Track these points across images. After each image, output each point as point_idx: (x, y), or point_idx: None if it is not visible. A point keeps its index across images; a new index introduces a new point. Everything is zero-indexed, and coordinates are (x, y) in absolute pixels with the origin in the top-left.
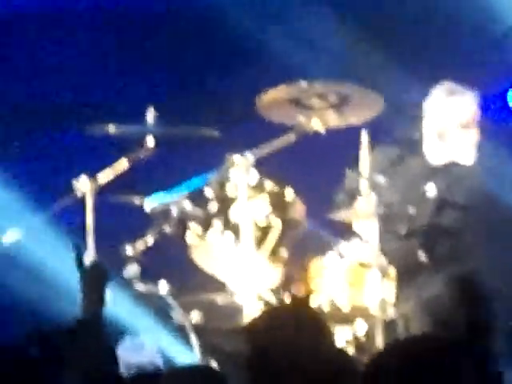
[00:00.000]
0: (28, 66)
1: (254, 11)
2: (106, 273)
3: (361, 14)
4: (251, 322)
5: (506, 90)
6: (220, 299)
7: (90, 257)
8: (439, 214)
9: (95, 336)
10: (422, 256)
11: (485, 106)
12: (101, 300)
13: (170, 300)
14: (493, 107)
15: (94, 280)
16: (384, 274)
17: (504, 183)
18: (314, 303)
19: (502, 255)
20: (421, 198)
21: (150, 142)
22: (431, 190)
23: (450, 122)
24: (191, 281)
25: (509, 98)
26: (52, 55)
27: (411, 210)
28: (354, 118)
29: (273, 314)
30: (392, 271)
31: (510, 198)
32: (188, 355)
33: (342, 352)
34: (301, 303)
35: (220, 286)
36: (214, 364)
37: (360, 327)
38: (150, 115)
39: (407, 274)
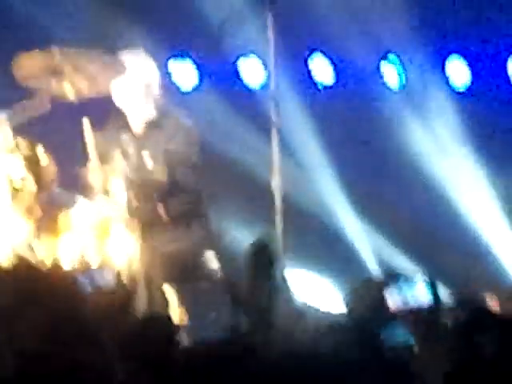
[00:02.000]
0: None
1: None
2: None
3: None
4: None
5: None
6: None
7: None
8: (171, 173)
9: None
10: (162, 213)
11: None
12: None
13: None
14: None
15: None
16: (128, 227)
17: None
18: (62, 254)
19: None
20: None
21: None
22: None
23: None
24: None
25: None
26: None
27: (151, 173)
28: (101, 84)
29: None
30: (136, 226)
31: None
32: None
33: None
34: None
35: None
36: None
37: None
38: None
39: (149, 229)
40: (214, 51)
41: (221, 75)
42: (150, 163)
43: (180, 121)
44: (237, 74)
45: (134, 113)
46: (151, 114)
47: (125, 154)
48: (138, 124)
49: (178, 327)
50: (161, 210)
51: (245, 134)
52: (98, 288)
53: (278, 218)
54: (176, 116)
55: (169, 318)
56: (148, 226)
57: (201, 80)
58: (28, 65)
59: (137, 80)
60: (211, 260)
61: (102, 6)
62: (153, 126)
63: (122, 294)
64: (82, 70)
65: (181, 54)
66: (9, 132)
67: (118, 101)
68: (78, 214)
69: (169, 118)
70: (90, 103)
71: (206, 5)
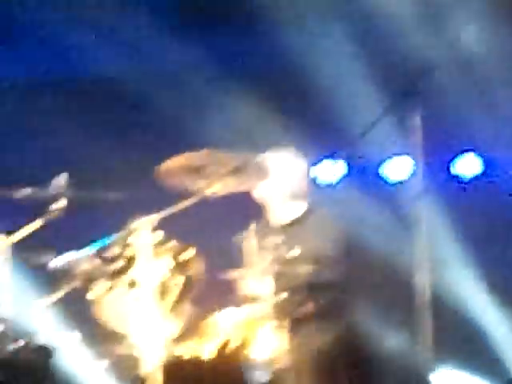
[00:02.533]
0: None
1: (150, 78)
2: None
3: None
4: None
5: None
6: (121, 350)
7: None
8: (317, 268)
9: None
10: (310, 308)
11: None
12: None
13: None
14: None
15: None
16: (278, 325)
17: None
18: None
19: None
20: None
21: (62, 203)
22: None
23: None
24: (97, 333)
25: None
26: None
27: (298, 268)
28: (246, 184)
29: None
30: (283, 321)
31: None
32: None
33: None
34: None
35: (121, 338)
36: None
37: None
38: (63, 179)
39: (297, 323)
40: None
41: (366, 172)
42: (296, 257)
43: (326, 216)
44: (380, 171)
45: (279, 210)
46: (297, 210)
47: (271, 249)
48: (283, 220)
49: None
50: (308, 303)
51: (388, 229)
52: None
53: (425, 315)
54: (322, 212)
55: None
56: (295, 320)
57: (346, 176)
58: (175, 165)
59: (282, 181)
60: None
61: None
62: (298, 221)
63: None
64: (226, 170)
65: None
66: (160, 234)
67: (263, 198)
68: (225, 318)
69: (315, 213)
70: (232, 201)
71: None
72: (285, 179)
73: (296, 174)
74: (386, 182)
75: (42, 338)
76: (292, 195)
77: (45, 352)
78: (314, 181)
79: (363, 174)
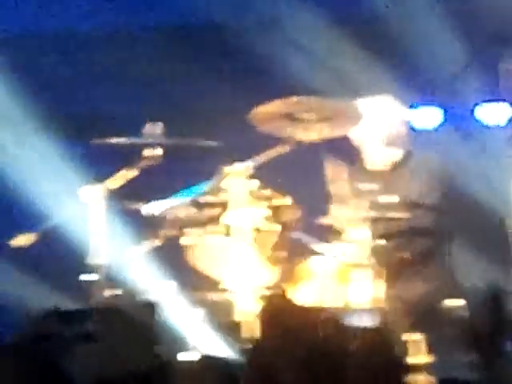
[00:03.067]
0: (37, 79)
1: (249, 23)
2: None
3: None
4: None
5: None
6: (217, 297)
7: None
8: (415, 212)
9: None
10: (407, 255)
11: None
12: None
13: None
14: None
15: None
16: (375, 273)
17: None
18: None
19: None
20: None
21: (158, 151)
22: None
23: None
24: (192, 280)
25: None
26: (57, 70)
27: (396, 214)
28: (341, 129)
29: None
30: (379, 268)
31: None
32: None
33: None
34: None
35: (215, 284)
36: None
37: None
38: (159, 128)
39: (393, 270)
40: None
41: (462, 117)
42: (393, 203)
43: (426, 162)
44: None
45: (375, 154)
46: (393, 155)
47: (366, 194)
48: (379, 164)
49: None
50: (406, 249)
51: (486, 174)
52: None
53: None
54: (422, 157)
55: None
56: (392, 266)
57: (443, 123)
58: (269, 111)
59: (377, 126)
60: (453, 304)
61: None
62: (396, 167)
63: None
64: (320, 116)
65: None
66: (256, 182)
67: (358, 143)
68: (318, 263)
69: (414, 159)
70: (326, 145)
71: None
72: (382, 124)
73: (393, 120)
74: (483, 127)
75: (138, 287)
76: (389, 141)
77: (144, 304)
78: (411, 127)
79: (460, 119)
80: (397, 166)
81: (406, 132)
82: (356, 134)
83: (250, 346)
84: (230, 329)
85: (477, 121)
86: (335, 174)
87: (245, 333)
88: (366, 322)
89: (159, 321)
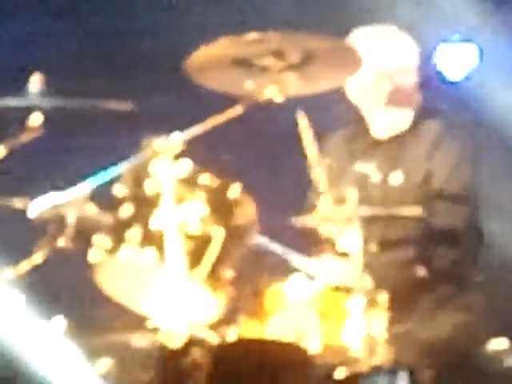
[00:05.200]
0: None
1: None
2: None
3: None
4: None
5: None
6: (137, 340)
7: None
8: (433, 207)
9: None
10: (422, 271)
11: None
12: None
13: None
14: None
15: None
16: (370, 300)
17: None
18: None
19: None
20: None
21: (36, 119)
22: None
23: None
24: (97, 315)
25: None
26: None
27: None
28: (324, 82)
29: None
30: (382, 296)
31: None
32: None
33: None
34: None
35: (137, 322)
36: None
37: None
38: (36, 84)
39: (403, 301)
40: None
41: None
42: (399, 189)
43: (448, 129)
44: None
45: (376, 116)
46: (402, 117)
47: (359, 178)
48: (381, 132)
49: None
50: (417, 264)
51: None
52: None
53: None
54: (444, 122)
55: None
56: (399, 290)
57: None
58: (211, 57)
59: (379, 72)
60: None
61: None
62: (405, 135)
63: None
64: (291, 62)
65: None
66: (188, 164)
67: (354, 99)
68: (295, 286)
69: (431, 123)
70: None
71: None
72: (382, 71)
73: (401, 65)
74: None
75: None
76: (392, 98)
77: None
78: (431, 75)
79: (501, 62)
80: (407, 135)
81: (418, 85)
82: (351, 88)
83: None
84: None
85: None
86: (319, 148)
87: None
88: None
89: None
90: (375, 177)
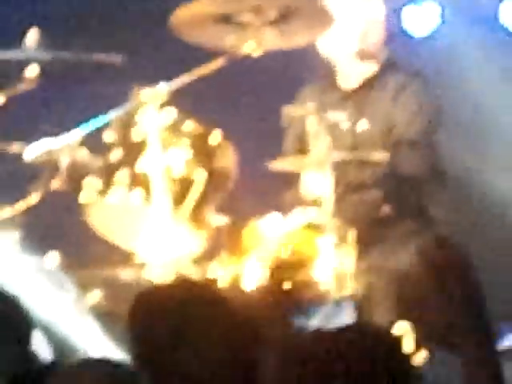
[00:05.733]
0: None
1: None
2: None
3: None
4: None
5: None
6: (125, 274)
7: None
8: (395, 152)
9: None
10: (387, 209)
11: None
12: None
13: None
14: None
15: None
16: (340, 237)
17: None
18: (248, 279)
19: None
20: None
21: (33, 71)
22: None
23: None
24: (88, 251)
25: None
26: None
27: (368, 153)
28: (299, 38)
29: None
30: (351, 234)
31: None
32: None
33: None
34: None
35: (125, 258)
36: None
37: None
38: (32, 37)
39: (370, 237)
40: None
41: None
42: (366, 136)
43: (410, 80)
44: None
45: (345, 68)
46: (369, 69)
47: (331, 126)
48: (350, 83)
49: None
50: (382, 205)
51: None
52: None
53: None
54: (407, 74)
55: None
56: (364, 226)
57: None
58: (194, 14)
59: (349, 28)
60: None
61: None
62: (371, 86)
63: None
64: (267, 19)
65: None
66: (173, 112)
67: (325, 52)
68: (270, 224)
69: (395, 75)
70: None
71: None
72: (352, 27)
73: (366, 20)
74: (503, 31)
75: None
76: (361, 52)
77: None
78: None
79: (463, 20)
80: (373, 86)
81: (383, 39)
82: (320, 43)
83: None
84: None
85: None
86: (297, 100)
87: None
88: (333, 316)
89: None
90: (344, 125)
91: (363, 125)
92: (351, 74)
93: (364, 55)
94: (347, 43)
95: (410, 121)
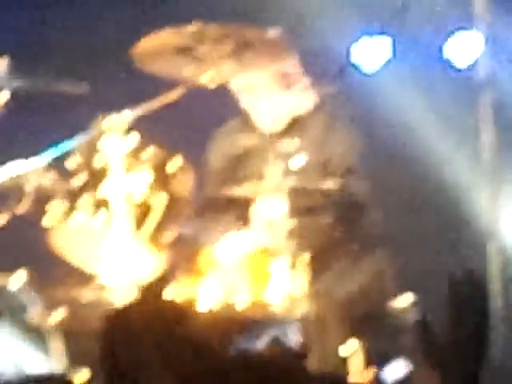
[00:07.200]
0: None
1: None
2: None
3: None
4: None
5: None
6: (87, 295)
7: None
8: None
9: None
10: (338, 234)
11: None
12: None
13: (25, 296)
14: None
15: None
16: (294, 260)
17: None
18: (203, 300)
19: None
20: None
21: (2, 97)
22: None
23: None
24: (52, 272)
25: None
26: None
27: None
28: (255, 68)
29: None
30: (304, 257)
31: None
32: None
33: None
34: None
35: (86, 279)
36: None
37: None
38: (2, 64)
39: (322, 260)
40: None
41: (418, 52)
42: (307, 168)
43: (334, 120)
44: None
45: (264, 108)
46: (293, 109)
47: (284, 156)
48: (269, 124)
49: None
50: (333, 227)
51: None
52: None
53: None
54: (331, 114)
55: None
56: (317, 251)
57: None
58: (155, 46)
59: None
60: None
61: None
62: (305, 121)
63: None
64: (224, 51)
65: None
66: (135, 138)
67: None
68: (225, 248)
69: (320, 115)
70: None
71: None
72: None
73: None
74: (448, 66)
75: None
76: (282, 87)
77: None
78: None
79: (414, 54)
80: (298, 126)
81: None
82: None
83: None
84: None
85: (439, 58)
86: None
87: None
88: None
89: None
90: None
91: (300, 160)
92: (270, 112)
93: (284, 86)
94: (268, 81)
95: (345, 152)
